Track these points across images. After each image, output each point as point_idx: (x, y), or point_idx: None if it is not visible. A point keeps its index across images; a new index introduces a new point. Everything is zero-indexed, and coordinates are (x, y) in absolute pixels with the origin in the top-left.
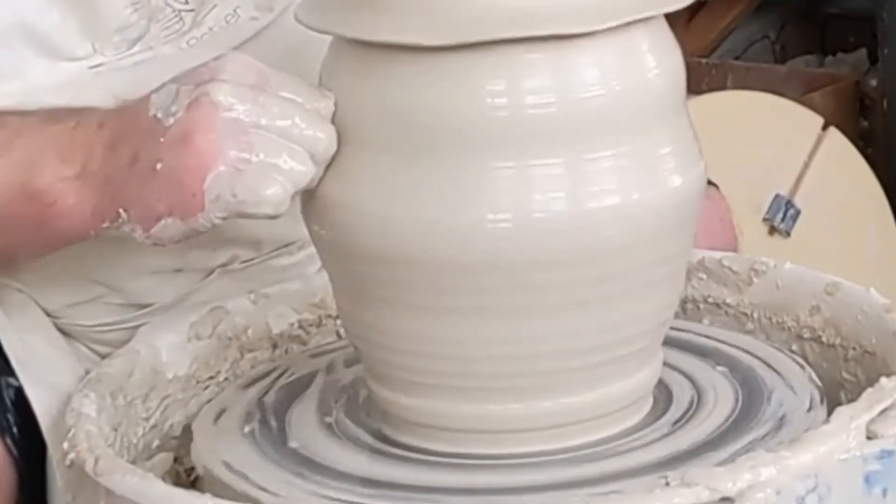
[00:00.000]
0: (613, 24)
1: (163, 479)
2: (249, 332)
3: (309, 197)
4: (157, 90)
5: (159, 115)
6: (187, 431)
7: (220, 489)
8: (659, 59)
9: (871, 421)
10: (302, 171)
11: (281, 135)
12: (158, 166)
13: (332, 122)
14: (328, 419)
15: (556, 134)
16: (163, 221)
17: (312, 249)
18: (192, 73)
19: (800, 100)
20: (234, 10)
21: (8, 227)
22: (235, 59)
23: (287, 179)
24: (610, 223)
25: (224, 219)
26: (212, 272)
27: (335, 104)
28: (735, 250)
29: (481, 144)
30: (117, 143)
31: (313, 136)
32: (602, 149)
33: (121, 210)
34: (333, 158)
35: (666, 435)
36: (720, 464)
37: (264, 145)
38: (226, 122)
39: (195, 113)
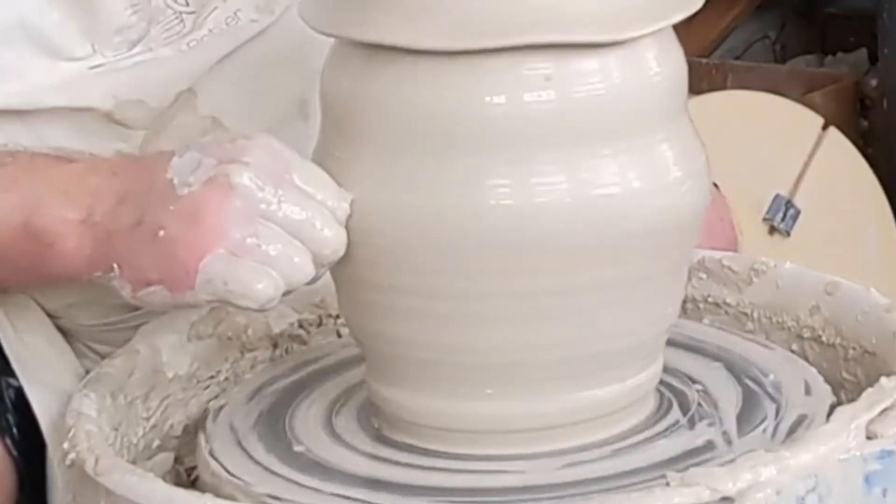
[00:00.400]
0: (623, 36)
1: (163, 479)
2: (250, 331)
3: None
4: (179, 153)
5: (175, 182)
6: (188, 431)
7: (224, 492)
8: (661, 62)
9: (871, 421)
10: (300, 272)
11: (290, 230)
12: (161, 233)
13: (346, 226)
14: (330, 419)
15: (557, 136)
16: (151, 288)
17: None
18: (218, 147)
19: (800, 100)
20: (235, 13)
21: (5, 261)
22: (263, 143)
23: (282, 277)
24: (610, 222)
25: (210, 302)
26: None
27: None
28: (735, 250)
29: (482, 146)
30: (127, 197)
31: (322, 236)
32: (603, 150)
33: (114, 265)
34: (333, 157)
35: (666, 435)
36: (720, 464)
37: (270, 237)
38: (237, 208)
39: (209, 191)
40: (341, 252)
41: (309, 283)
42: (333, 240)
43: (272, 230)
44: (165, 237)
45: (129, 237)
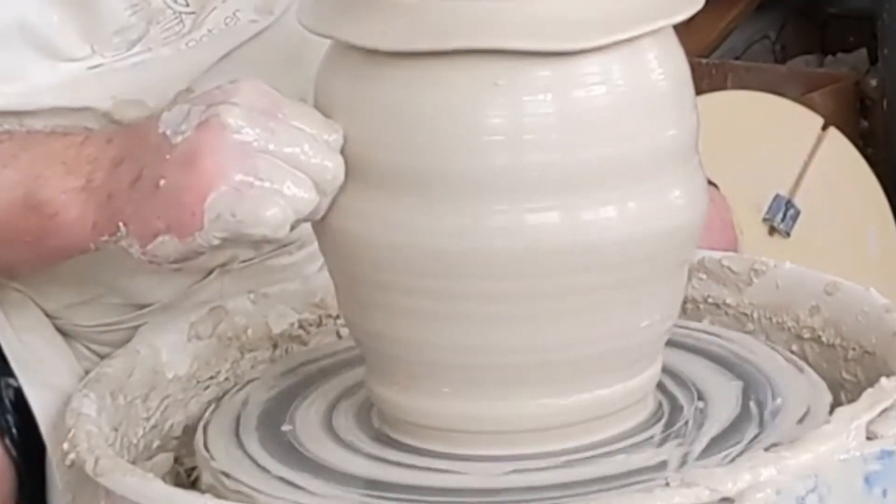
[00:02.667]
0: (621, 37)
1: (163, 479)
2: (249, 331)
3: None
4: (168, 108)
5: (168, 133)
6: (188, 431)
7: (223, 492)
8: (663, 64)
9: (871, 421)
10: (305, 198)
11: (287, 161)
12: (161, 183)
13: (342, 153)
14: (330, 419)
15: (557, 138)
16: (160, 239)
17: (312, 248)
18: (205, 95)
19: (800, 100)
20: (234, 13)
21: (9, 238)
22: (250, 84)
23: (289, 205)
24: (609, 235)
25: (222, 240)
26: (211, 272)
27: (343, 136)
28: (735, 250)
29: (479, 146)
30: (123, 159)
31: (320, 164)
32: (603, 155)
33: (120, 224)
34: None
35: (666, 435)
36: (720, 464)
37: (269, 170)
38: (233, 145)
39: (203, 133)
40: (341, 178)
41: (312, 218)
42: (332, 167)
43: (271, 163)
44: (167, 185)
45: (130, 194)
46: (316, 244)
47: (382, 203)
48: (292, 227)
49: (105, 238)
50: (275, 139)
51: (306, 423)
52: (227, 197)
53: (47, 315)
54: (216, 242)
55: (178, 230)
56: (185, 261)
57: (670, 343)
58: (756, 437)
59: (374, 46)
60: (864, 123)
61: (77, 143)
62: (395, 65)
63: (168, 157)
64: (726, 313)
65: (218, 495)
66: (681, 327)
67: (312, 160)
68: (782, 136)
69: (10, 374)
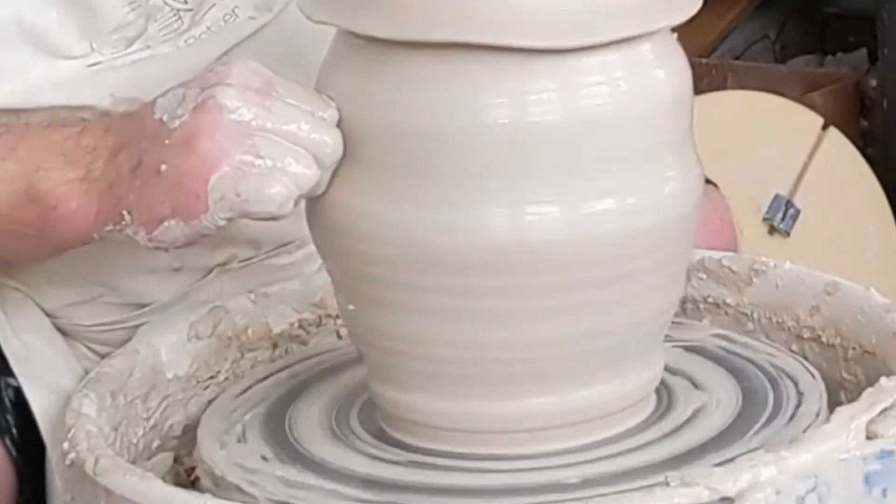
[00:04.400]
0: (620, 35)
1: (163, 479)
2: (249, 331)
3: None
4: (163, 95)
5: (164, 119)
6: (187, 431)
7: (223, 492)
8: (662, 65)
9: (871, 421)
10: (307, 174)
11: (286, 138)
12: (162, 168)
13: (338, 128)
14: (330, 419)
15: (557, 138)
16: (165, 224)
17: (311, 248)
18: (199, 78)
19: (800, 100)
20: (233, 10)
21: (10, 231)
22: (243, 64)
23: (292, 181)
24: (608, 229)
25: (228, 220)
26: (210, 271)
27: (337, 111)
28: (735, 250)
29: (479, 139)
30: (122, 147)
31: (319, 139)
32: (601, 148)
33: (124, 212)
34: None
35: (667, 435)
36: (721, 464)
37: (269, 148)
38: (231, 125)
39: (200, 116)
40: (340, 152)
41: (313, 193)
42: (330, 142)
43: (270, 141)
44: (168, 170)
45: (132, 182)
46: None
47: (379, 195)
48: (295, 203)
49: (109, 227)
50: (272, 117)
51: (306, 422)
52: (230, 177)
53: (47, 315)
54: (222, 223)
55: (183, 214)
56: (192, 244)
57: (670, 343)
58: (756, 436)
59: (379, 35)
60: (864, 123)
61: (75, 133)
62: (400, 54)
63: (167, 141)
64: (726, 313)
65: (217, 495)
66: (681, 327)
67: (311, 136)
68: (782, 136)
69: (10, 374)
